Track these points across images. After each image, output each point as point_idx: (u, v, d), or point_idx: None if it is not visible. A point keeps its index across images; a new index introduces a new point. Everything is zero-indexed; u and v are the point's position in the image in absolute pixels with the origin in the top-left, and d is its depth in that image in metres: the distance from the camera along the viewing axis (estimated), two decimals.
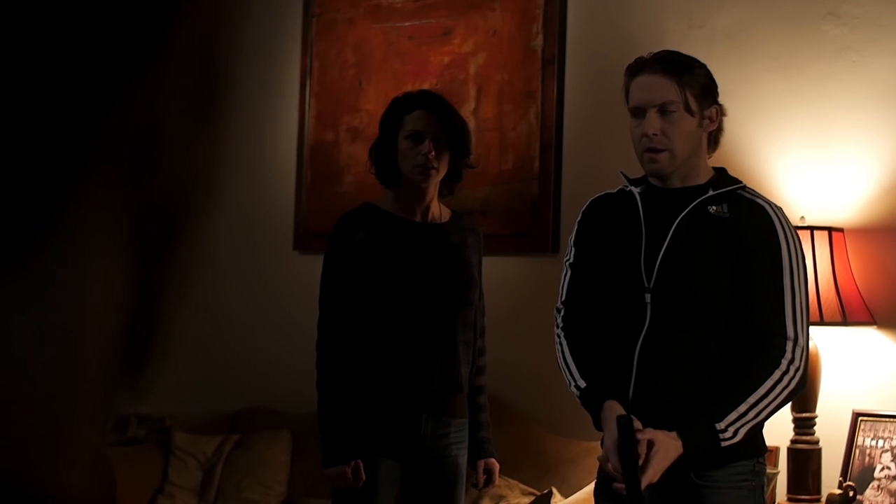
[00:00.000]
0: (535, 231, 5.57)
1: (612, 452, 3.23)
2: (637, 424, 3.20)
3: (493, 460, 4.17)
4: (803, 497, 4.61)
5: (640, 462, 3.16)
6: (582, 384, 3.37)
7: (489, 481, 4.17)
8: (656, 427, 3.23)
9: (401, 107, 4.12)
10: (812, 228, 4.66)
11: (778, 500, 4.69)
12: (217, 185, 0.74)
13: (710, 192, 3.38)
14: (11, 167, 0.60)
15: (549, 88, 5.58)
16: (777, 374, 3.23)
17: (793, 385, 3.25)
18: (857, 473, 4.59)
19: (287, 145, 6.39)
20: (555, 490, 4.90)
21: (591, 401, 3.35)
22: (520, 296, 5.44)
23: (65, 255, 0.62)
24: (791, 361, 3.24)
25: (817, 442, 4.62)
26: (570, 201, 5.44)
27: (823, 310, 4.56)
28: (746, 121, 5.03)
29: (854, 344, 4.77)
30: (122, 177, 0.64)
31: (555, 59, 5.58)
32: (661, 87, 3.38)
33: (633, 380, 3.32)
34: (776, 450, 4.75)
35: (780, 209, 3.40)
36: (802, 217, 4.77)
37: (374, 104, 6.06)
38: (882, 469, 4.57)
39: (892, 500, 4.50)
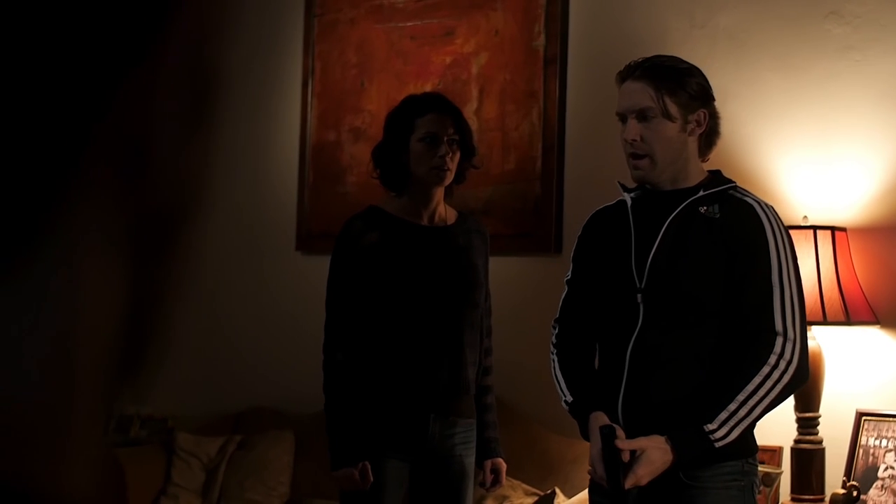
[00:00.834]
0: (538, 231, 5.57)
1: (598, 461, 3.30)
2: (620, 433, 3.27)
3: (501, 460, 4.19)
4: (807, 497, 4.61)
5: (624, 469, 3.22)
6: (570, 398, 3.46)
7: (496, 481, 4.19)
8: (647, 427, 3.27)
9: (411, 109, 4.11)
10: (815, 228, 4.66)
11: (781, 499, 4.68)
12: (209, 187, 0.74)
13: (701, 193, 3.41)
14: (5, 169, 0.60)
15: (552, 88, 5.58)
16: (766, 369, 3.25)
17: (786, 380, 3.26)
18: (861, 473, 4.59)
19: (289, 146, 6.39)
20: (558, 490, 4.90)
21: (578, 413, 3.44)
22: (522, 296, 5.44)
23: (60, 256, 0.62)
24: (780, 356, 3.26)
25: (821, 442, 4.62)
26: (573, 201, 5.44)
27: (827, 309, 4.56)
28: (749, 120, 5.03)
29: (857, 343, 4.77)
30: (116, 179, 0.64)
31: (557, 59, 5.57)
32: (639, 94, 3.44)
33: (624, 379, 3.35)
34: (779, 450, 4.75)
35: (769, 207, 3.43)
36: (805, 217, 4.77)
37: (376, 104, 6.06)
38: (886, 469, 4.56)
39: None
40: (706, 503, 3.31)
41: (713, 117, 3.51)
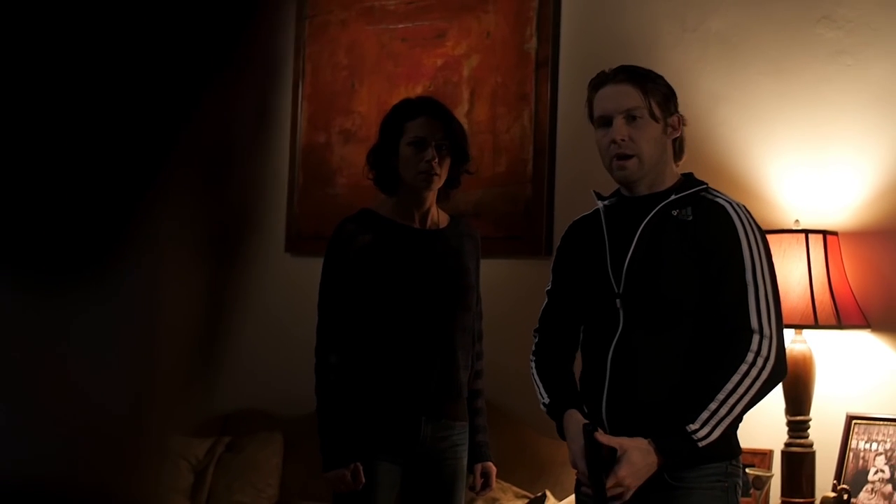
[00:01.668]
0: (528, 234, 5.57)
1: (579, 458, 3.36)
2: (601, 433, 3.32)
3: (490, 464, 4.20)
4: (797, 500, 4.61)
5: (606, 468, 3.26)
6: (546, 399, 3.55)
7: (486, 485, 4.20)
8: (632, 429, 3.30)
9: (402, 113, 4.13)
10: (807, 232, 4.67)
11: (772, 503, 4.69)
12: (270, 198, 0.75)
13: (673, 197, 3.45)
14: (92, 174, 0.60)
15: (543, 91, 5.58)
16: (744, 367, 3.29)
17: (764, 376, 3.31)
18: (851, 477, 4.60)
19: (279, 147, 6.38)
20: (548, 493, 4.89)
21: (554, 412, 3.52)
22: (512, 299, 5.44)
23: (139, 262, 0.62)
24: (758, 353, 3.30)
25: (811, 445, 4.62)
26: (564, 204, 5.44)
27: (818, 313, 4.56)
28: (740, 124, 5.03)
29: (848, 347, 4.78)
30: (200, 185, 0.64)
31: (549, 62, 5.58)
32: (626, 95, 3.49)
33: (607, 383, 3.39)
34: (770, 453, 4.76)
35: (741, 207, 3.48)
36: (797, 220, 4.78)
37: (366, 106, 6.05)
38: (876, 472, 4.57)
39: (886, 503, 4.51)
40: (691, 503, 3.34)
41: (683, 123, 3.58)
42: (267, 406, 6.13)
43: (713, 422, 3.25)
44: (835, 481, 4.59)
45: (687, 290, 3.36)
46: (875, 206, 4.77)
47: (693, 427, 3.24)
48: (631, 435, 3.30)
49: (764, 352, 3.31)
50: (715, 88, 5.02)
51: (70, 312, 0.61)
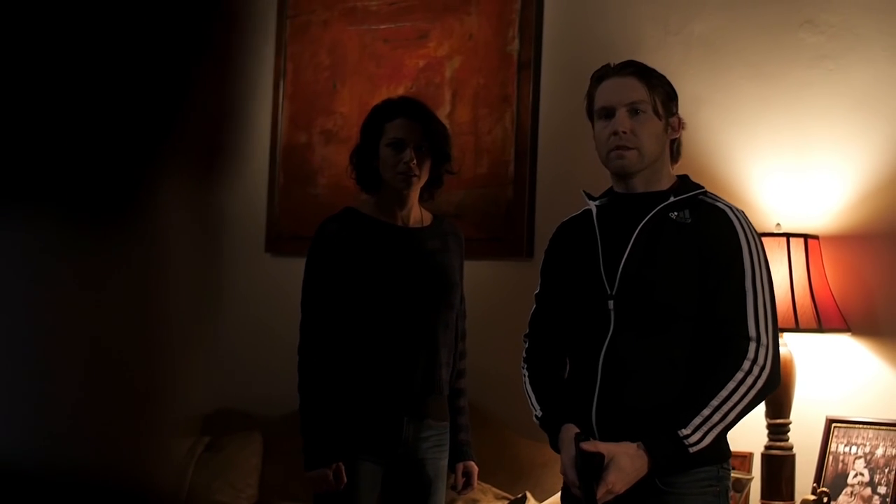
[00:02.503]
0: (510, 235, 5.57)
1: (570, 468, 3.32)
2: (595, 442, 3.30)
3: (472, 463, 4.20)
4: (777, 503, 4.62)
5: (597, 477, 3.24)
6: (539, 413, 3.50)
7: (468, 484, 4.20)
8: (622, 434, 3.28)
9: (382, 114, 4.14)
10: (788, 235, 4.68)
11: None
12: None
13: (672, 199, 3.42)
14: (99, 155, 0.62)
15: (525, 93, 5.59)
16: (739, 375, 3.26)
17: (759, 385, 3.28)
18: (831, 479, 4.62)
19: (260, 147, 6.37)
20: (529, 494, 4.89)
21: (548, 426, 3.47)
22: (494, 300, 5.44)
23: (147, 235, 0.64)
24: (754, 362, 3.28)
25: (791, 448, 4.64)
26: (545, 206, 5.45)
27: (799, 316, 4.58)
28: (722, 128, 5.05)
29: (828, 351, 4.79)
30: (193, 168, 0.66)
31: (531, 64, 5.58)
32: (632, 88, 3.46)
33: (597, 386, 3.36)
34: (750, 455, 4.77)
35: (741, 213, 3.45)
36: (778, 224, 4.79)
37: (348, 107, 6.05)
38: (855, 475, 4.59)
39: None
40: None
41: (682, 126, 3.56)
42: (246, 406, 6.12)
43: (705, 428, 3.23)
44: (814, 484, 4.60)
45: (682, 294, 3.32)
46: (856, 210, 4.79)
47: (685, 432, 3.22)
48: (621, 440, 3.28)
49: (760, 360, 3.28)
50: (697, 91, 5.03)
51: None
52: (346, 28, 6.13)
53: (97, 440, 0.63)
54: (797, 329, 4.58)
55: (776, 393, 4.42)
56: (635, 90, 3.45)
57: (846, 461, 4.62)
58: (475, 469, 4.23)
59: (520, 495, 4.92)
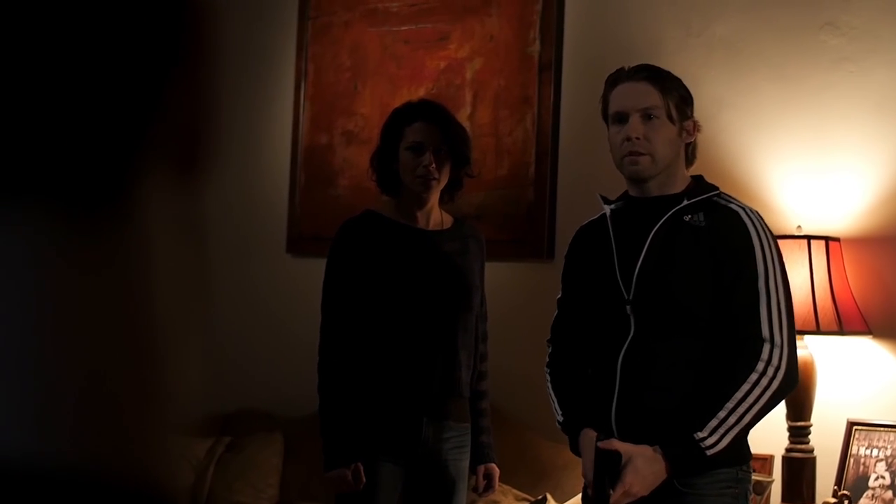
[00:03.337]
0: (531, 237, 5.57)
1: (589, 470, 3.35)
2: (612, 440, 3.32)
3: (494, 465, 4.21)
4: None
5: (612, 479, 3.27)
6: (561, 417, 3.52)
7: (489, 486, 4.21)
8: (642, 436, 3.28)
9: (401, 118, 4.17)
10: (809, 238, 4.67)
11: None
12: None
13: (685, 202, 3.41)
14: (83, 153, 0.63)
15: (546, 94, 5.58)
16: (754, 376, 3.26)
17: (774, 386, 3.28)
18: (852, 482, 4.61)
19: (281, 148, 6.38)
20: (549, 496, 4.90)
21: (570, 429, 3.49)
22: (515, 302, 5.44)
23: (131, 233, 0.65)
24: (768, 363, 3.27)
25: (812, 451, 4.63)
26: (566, 207, 5.45)
27: (820, 319, 4.57)
28: (744, 130, 5.04)
29: (849, 353, 4.78)
30: (174, 166, 0.67)
31: (551, 65, 5.58)
32: (645, 93, 3.45)
33: (616, 390, 3.36)
34: (771, 458, 4.76)
35: (755, 213, 3.44)
36: (799, 226, 4.79)
37: (369, 108, 6.06)
38: (876, 478, 4.58)
39: None
40: None
41: (697, 129, 3.55)
42: (267, 406, 6.14)
43: (721, 430, 3.23)
44: (835, 487, 4.60)
45: (699, 296, 3.32)
46: (877, 212, 4.78)
47: (701, 435, 3.22)
48: (641, 441, 3.28)
49: (774, 361, 3.28)
50: (718, 94, 5.03)
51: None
52: (367, 29, 6.14)
53: (96, 439, 0.64)
54: (818, 331, 4.57)
55: (797, 395, 4.43)
56: (648, 95, 3.44)
57: (867, 464, 4.61)
58: (496, 471, 4.24)
59: (540, 497, 4.92)
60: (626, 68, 3.54)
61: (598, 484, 3.30)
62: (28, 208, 0.64)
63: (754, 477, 4.43)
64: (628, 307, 3.38)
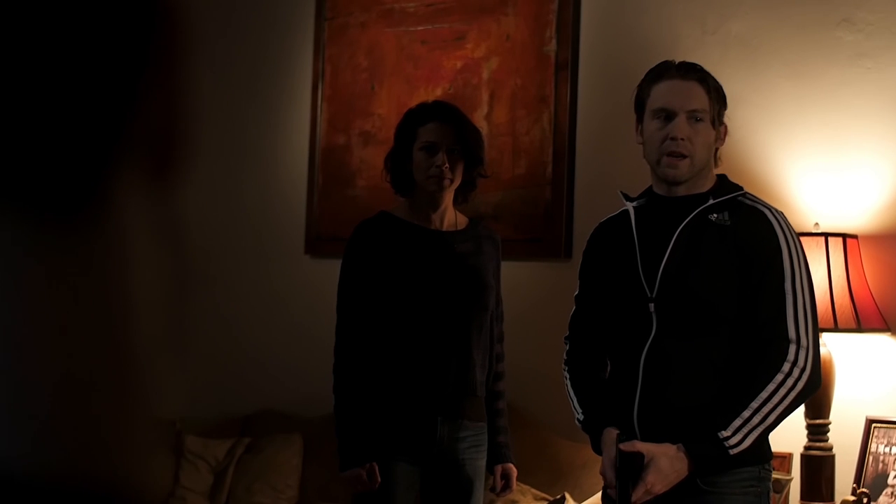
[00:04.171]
0: (548, 236, 5.57)
1: (609, 468, 3.33)
2: (634, 442, 3.30)
3: (511, 465, 4.22)
4: (817, 503, 4.61)
5: (635, 479, 3.25)
6: (581, 416, 3.50)
7: (507, 486, 4.22)
8: (664, 435, 3.27)
9: (415, 118, 4.19)
10: (826, 235, 4.66)
11: None
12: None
13: (711, 201, 3.40)
14: (56, 159, 0.64)
15: (563, 93, 5.58)
16: (779, 377, 3.25)
17: (799, 387, 3.27)
18: (871, 480, 4.60)
19: (299, 149, 6.39)
20: (567, 495, 4.90)
21: (590, 428, 3.47)
22: (533, 301, 5.45)
23: (106, 235, 0.65)
24: (794, 363, 3.26)
25: (831, 448, 4.62)
26: (583, 206, 5.44)
27: (837, 316, 4.56)
28: (760, 127, 5.03)
29: (868, 350, 4.77)
30: (150, 171, 0.68)
31: (568, 64, 5.58)
32: (695, 95, 3.42)
33: (639, 388, 3.35)
34: (789, 456, 4.75)
35: (780, 214, 3.42)
36: (816, 223, 4.77)
37: (386, 108, 6.06)
38: (895, 476, 4.57)
39: None
40: None
41: (726, 133, 3.54)
42: (286, 407, 6.15)
43: (745, 429, 3.22)
44: (854, 485, 4.58)
45: (724, 295, 3.31)
46: (895, 209, 4.76)
47: (725, 434, 3.21)
48: (663, 440, 3.27)
49: (800, 362, 3.27)
50: (734, 91, 4.99)
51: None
52: (383, 30, 6.15)
53: (72, 444, 0.64)
54: (836, 329, 4.56)
55: (816, 393, 4.41)
56: (698, 98, 3.41)
57: (886, 461, 4.60)
58: (514, 471, 4.24)
59: (559, 496, 4.92)
60: (675, 63, 3.48)
61: (620, 486, 3.29)
62: (2, 214, 0.64)
63: (773, 475, 4.42)
64: (651, 305, 3.36)
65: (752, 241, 3.35)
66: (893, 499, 4.53)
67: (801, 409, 4.53)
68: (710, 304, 3.32)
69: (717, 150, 3.50)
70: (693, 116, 3.39)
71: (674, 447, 3.25)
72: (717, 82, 3.49)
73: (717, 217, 3.39)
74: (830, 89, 4.91)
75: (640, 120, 3.50)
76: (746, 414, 3.23)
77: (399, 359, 4.04)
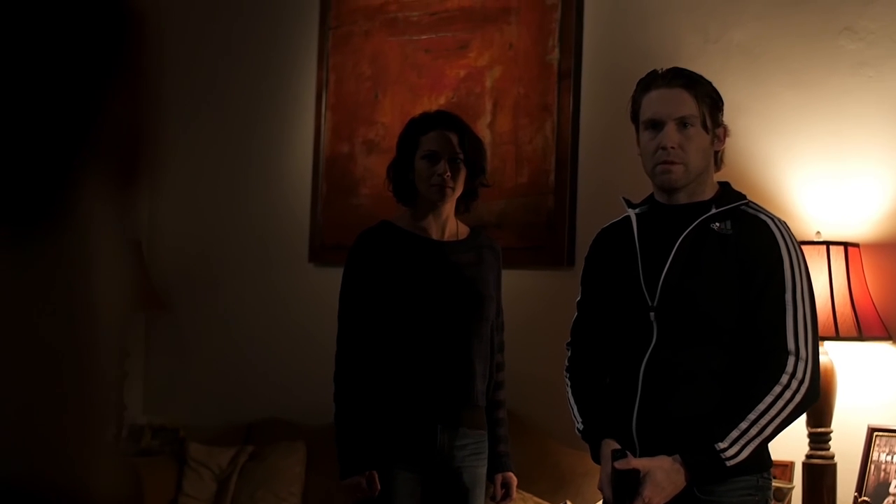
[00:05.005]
0: (551, 244, 5.57)
1: (606, 484, 3.33)
2: (629, 459, 3.28)
3: (511, 474, 4.23)
4: None
5: (631, 494, 3.24)
6: (581, 425, 3.50)
7: (507, 495, 4.22)
8: (663, 446, 3.27)
9: (417, 127, 4.20)
10: (828, 243, 4.66)
11: None
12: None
13: (713, 210, 3.39)
14: (20, 161, 0.64)
15: (565, 102, 5.59)
16: (777, 388, 3.24)
17: (797, 399, 3.26)
18: (873, 489, 4.59)
19: (303, 157, 6.41)
20: (569, 503, 4.90)
21: (590, 438, 3.46)
22: (535, 309, 5.45)
23: (70, 241, 0.65)
24: (792, 376, 3.25)
25: (832, 457, 4.62)
26: (586, 215, 5.45)
27: (839, 325, 4.56)
28: (762, 136, 5.03)
29: (869, 359, 4.77)
30: (116, 175, 0.68)
31: (571, 73, 5.58)
32: (681, 101, 3.41)
33: (638, 397, 3.35)
34: (791, 464, 4.75)
35: (783, 224, 3.41)
36: (818, 232, 4.77)
37: (389, 117, 6.07)
38: None
39: None
40: None
41: (727, 134, 3.52)
42: (290, 415, 6.15)
43: (742, 441, 3.21)
44: (856, 494, 4.58)
45: (724, 305, 3.30)
46: None
47: (722, 445, 3.21)
48: (662, 451, 3.26)
49: (799, 374, 3.26)
50: (737, 100, 5.01)
51: None
52: (387, 38, 6.16)
53: (31, 450, 0.65)
54: (837, 337, 4.56)
55: (817, 402, 4.41)
56: (685, 104, 3.40)
57: (888, 470, 4.59)
58: (514, 480, 4.25)
59: None
60: (660, 71, 3.49)
61: (618, 502, 3.29)
62: None
63: (775, 483, 4.42)
64: (652, 314, 3.36)
65: (754, 251, 3.34)
66: None
67: (803, 417, 4.53)
68: (710, 313, 3.31)
69: (717, 152, 3.49)
70: (681, 123, 3.39)
71: (669, 459, 3.24)
72: (708, 86, 3.48)
73: (720, 226, 3.38)
74: (832, 98, 4.91)
75: (637, 130, 3.51)
76: (744, 426, 3.22)
77: (399, 367, 4.05)
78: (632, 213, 3.50)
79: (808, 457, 4.63)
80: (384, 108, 6.14)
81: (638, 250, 3.43)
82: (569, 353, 3.64)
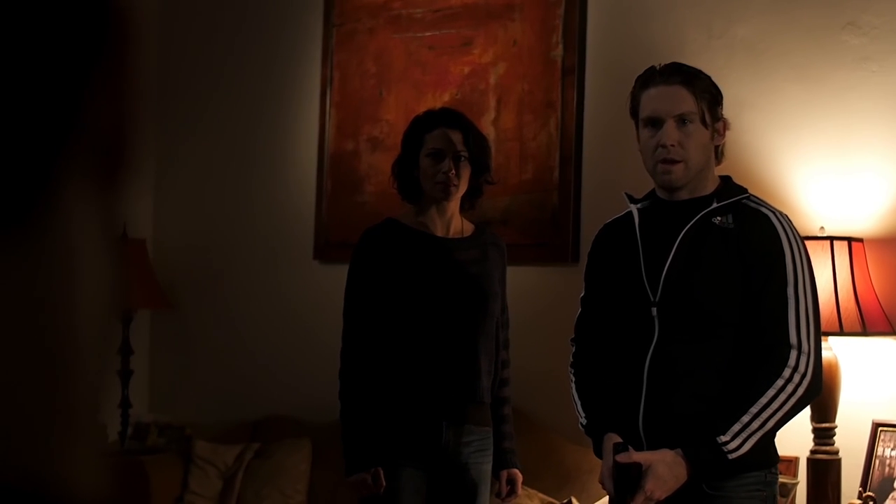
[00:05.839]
0: (556, 241, 5.58)
1: (607, 478, 3.32)
2: (631, 452, 3.27)
3: (517, 471, 4.23)
4: None
5: (633, 487, 3.23)
6: (584, 420, 3.48)
7: (512, 491, 4.22)
8: (669, 441, 3.26)
9: (422, 125, 4.20)
10: (832, 239, 4.66)
11: None
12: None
13: (715, 204, 3.38)
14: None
15: (569, 98, 5.59)
16: (780, 382, 3.23)
17: (800, 393, 3.25)
18: (877, 484, 4.59)
19: (307, 155, 6.41)
20: (574, 500, 4.90)
21: (593, 433, 3.45)
22: (540, 305, 5.45)
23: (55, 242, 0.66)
24: (795, 369, 3.24)
25: (837, 452, 4.62)
26: (590, 211, 5.45)
27: (843, 320, 4.56)
28: (766, 131, 5.03)
29: (874, 354, 4.77)
30: (96, 175, 0.68)
31: (575, 70, 5.59)
32: (680, 99, 3.40)
33: (643, 394, 3.34)
34: (796, 460, 4.75)
35: (784, 217, 3.40)
36: (822, 227, 4.77)
37: (394, 114, 6.07)
38: None
39: None
40: None
41: (727, 128, 3.51)
42: (295, 412, 6.16)
43: (744, 434, 3.21)
44: (860, 489, 4.58)
45: (726, 300, 3.29)
46: None
47: (724, 439, 3.20)
48: (668, 445, 3.25)
49: (801, 368, 3.25)
50: (740, 95, 5.01)
51: None
52: (391, 36, 6.16)
53: (11, 449, 0.65)
54: (842, 332, 4.56)
55: (821, 397, 4.40)
56: (683, 101, 3.39)
57: (893, 465, 4.60)
58: (519, 476, 4.25)
59: (565, 501, 4.92)
60: (658, 67, 3.48)
61: (619, 498, 3.28)
62: None
63: (780, 479, 4.42)
64: (654, 309, 3.35)
65: (756, 244, 3.33)
66: None
67: (807, 412, 4.53)
68: (711, 308, 3.31)
69: (717, 147, 3.49)
70: (681, 120, 3.38)
71: (671, 453, 3.23)
72: (706, 81, 3.47)
73: (721, 220, 3.37)
74: (836, 93, 4.91)
75: (637, 126, 3.50)
76: (746, 419, 3.21)
77: (405, 364, 4.05)
78: (634, 208, 3.50)
79: (812, 452, 4.64)
80: (388, 106, 6.15)
81: (640, 245, 3.42)
82: (573, 349, 3.63)
